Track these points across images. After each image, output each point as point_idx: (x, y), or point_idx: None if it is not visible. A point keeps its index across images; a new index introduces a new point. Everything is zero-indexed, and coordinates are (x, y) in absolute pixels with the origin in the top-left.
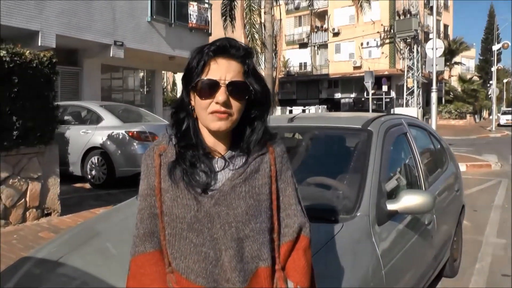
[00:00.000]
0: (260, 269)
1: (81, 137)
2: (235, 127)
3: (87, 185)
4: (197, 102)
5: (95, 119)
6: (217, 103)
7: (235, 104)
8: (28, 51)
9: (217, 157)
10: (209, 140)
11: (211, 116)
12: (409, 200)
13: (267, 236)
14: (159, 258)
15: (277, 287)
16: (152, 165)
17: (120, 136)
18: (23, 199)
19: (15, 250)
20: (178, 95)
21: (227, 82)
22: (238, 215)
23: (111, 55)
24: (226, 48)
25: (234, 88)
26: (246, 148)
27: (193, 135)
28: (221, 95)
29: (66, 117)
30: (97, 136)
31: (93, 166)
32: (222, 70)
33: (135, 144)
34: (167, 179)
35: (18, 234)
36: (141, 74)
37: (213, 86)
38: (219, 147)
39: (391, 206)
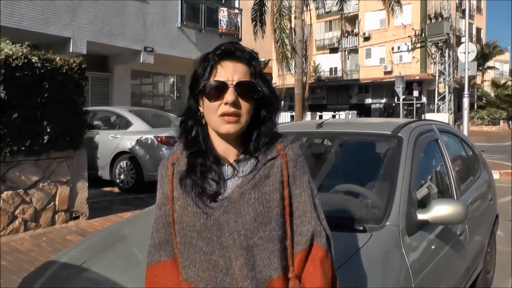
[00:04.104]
0: (274, 279)
1: (110, 142)
2: (245, 132)
3: (116, 189)
4: (206, 105)
5: (124, 124)
6: (226, 103)
7: (244, 105)
8: (58, 57)
9: (226, 164)
10: (220, 146)
11: (221, 119)
12: (441, 210)
13: (277, 244)
14: (173, 266)
15: None
16: (166, 174)
17: (149, 141)
18: (53, 203)
19: (44, 252)
20: None
21: (235, 83)
22: (247, 223)
23: (141, 61)
24: (231, 51)
25: (242, 89)
26: (255, 150)
27: (202, 142)
28: (230, 96)
29: (95, 122)
30: (126, 141)
31: (121, 170)
32: (229, 72)
33: (163, 149)
34: (179, 187)
35: (47, 236)
36: (171, 79)
37: (221, 87)
38: (230, 152)
39: (421, 216)
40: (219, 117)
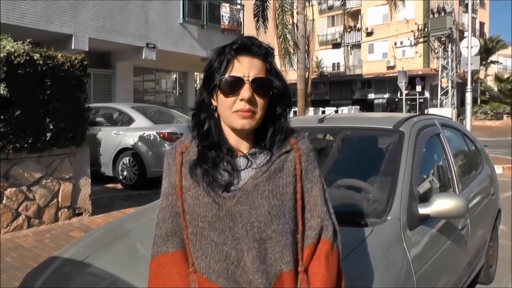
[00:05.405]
0: (284, 273)
1: (112, 138)
2: (258, 126)
3: (119, 186)
4: (220, 100)
5: (127, 121)
6: (242, 100)
7: (259, 101)
8: (60, 54)
9: (239, 155)
10: (232, 139)
11: (235, 115)
12: (442, 204)
13: (290, 238)
14: (181, 258)
15: None
16: (173, 163)
17: (151, 137)
18: (56, 199)
19: (47, 249)
20: None
21: (251, 79)
22: (261, 215)
23: (143, 57)
24: (248, 46)
25: (258, 85)
26: (270, 147)
27: (215, 135)
28: (246, 92)
29: (98, 119)
30: (129, 137)
31: (124, 166)
32: (245, 68)
33: (166, 145)
34: (189, 177)
35: (51, 233)
36: (174, 76)
37: (238, 83)
38: (242, 145)
39: (422, 210)
40: (233, 113)
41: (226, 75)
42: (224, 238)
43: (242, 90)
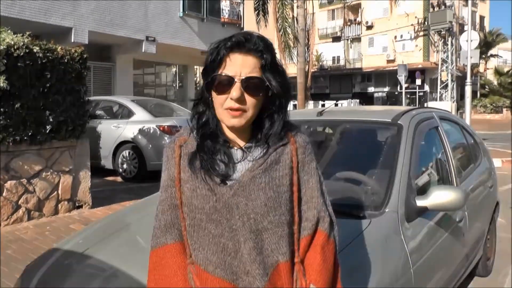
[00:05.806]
0: (281, 264)
1: (112, 131)
2: (255, 120)
3: (119, 179)
4: (214, 97)
5: (127, 114)
6: (231, 99)
7: (250, 100)
8: (60, 47)
9: (236, 147)
10: (229, 132)
11: (226, 112)
12: (439, 197)
13: (286, 229)
14: (180, 250)
15: (297, 280)
16: (172, 156)
17: (151, 130)
18: (56, 192)
19: (47, 241)
20: None
21: (242, 78)
22: (257, 207)
23: (143, 51)
24: (242, 43)
25: (249, 84)
26: (265, 142)
27: (212, 126)
28: (235, 91)
29: (98, 112)
30: (129, 130)
31: (124, 159)
32: (237, 66)
33: (166, 138)
34: (187, 169)
35: (51, 225)
36: (174, 69)
37: (228, 82)
38: (239, 139)
39: (420, 203)
40: (224, 110)
41: (218, 73)
42: (221, 229)
43: (232, 89)
